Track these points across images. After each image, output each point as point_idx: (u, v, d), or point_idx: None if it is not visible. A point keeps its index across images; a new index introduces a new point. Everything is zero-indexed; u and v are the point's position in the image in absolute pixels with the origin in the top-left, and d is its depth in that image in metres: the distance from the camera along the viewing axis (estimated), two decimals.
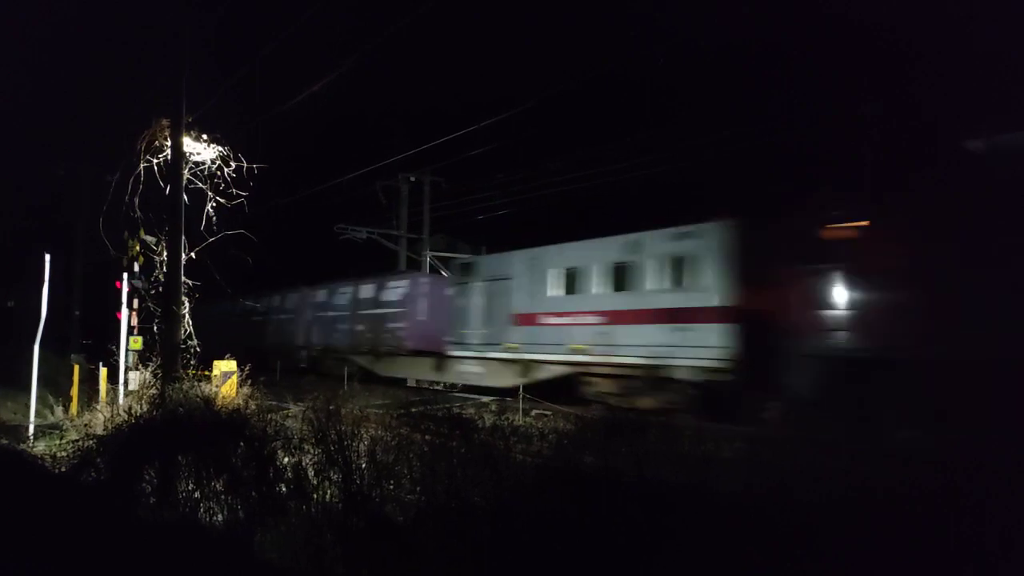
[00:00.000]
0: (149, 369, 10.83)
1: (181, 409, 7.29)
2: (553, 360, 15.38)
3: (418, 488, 5.28)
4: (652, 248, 13.66)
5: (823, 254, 10.68)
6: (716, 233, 12.59)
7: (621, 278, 14.15)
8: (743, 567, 3.71)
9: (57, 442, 9.91)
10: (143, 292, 12.03)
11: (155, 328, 11.66)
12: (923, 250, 9.78)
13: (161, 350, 10.64)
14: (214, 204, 10.76)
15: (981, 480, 3.87)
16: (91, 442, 7.35)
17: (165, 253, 10.71)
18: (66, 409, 12.35)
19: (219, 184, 10.82)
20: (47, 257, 11.50)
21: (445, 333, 18.77)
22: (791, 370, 10.54)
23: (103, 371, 12.33)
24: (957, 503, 3.70)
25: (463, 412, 9.38)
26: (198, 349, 10.48)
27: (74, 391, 12.87)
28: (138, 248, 11.71)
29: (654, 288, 13.53)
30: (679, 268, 13.12)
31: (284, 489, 5.74)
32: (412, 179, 26.18)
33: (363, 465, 5.56)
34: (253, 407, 7.77)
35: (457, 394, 17.80)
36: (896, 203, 10.81)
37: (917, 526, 3.66)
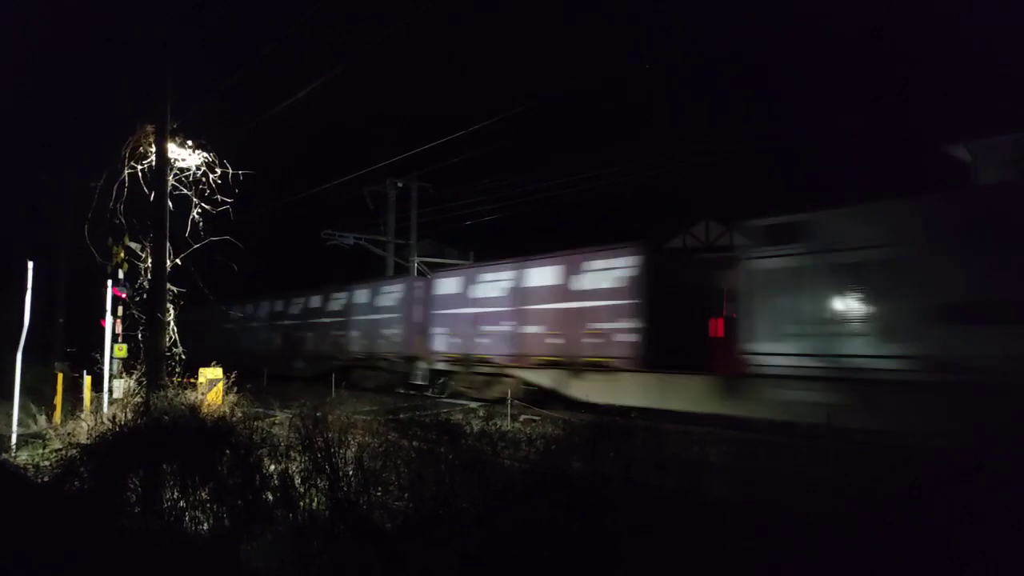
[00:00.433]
0: (134, 377, 10.75)
1: (166, 417, 7.23)
2: None
3: (406, 495, 5.26)
4: None
5: None
6: None
7: None
8: (728, 570, 3.72)
9: (40, 451, 9.81)
10: (128, 299, 11.93)
11: (140, 336, 11.57)
12: None
13: (146, 358, 10.56)
14: (199, 211, 10.69)
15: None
16: (75, 451, 7.28)
17: (150, 260, 10.63)
18: (49, 418, 12.21)
19: (204, 190, 10.77)
20: (30, 264, 11.39)
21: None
22: None
23: (87, 379, 12.21)
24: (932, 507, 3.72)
25: (451, 418, 9.37)
26: (183, 357, 10.40)
27: (58, 399, 12.72)
28: (123, 255, 11.62)
29: None
30: None
31: (270, 497, 5.70)
32: (400, 185, 26.16)
33: (350, 472, 5.53)
34: (239, 414, 7.73)
35: (445, 400, 17.74)
36: None
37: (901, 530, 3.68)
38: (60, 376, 13.24)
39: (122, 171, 10.76)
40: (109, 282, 11.90)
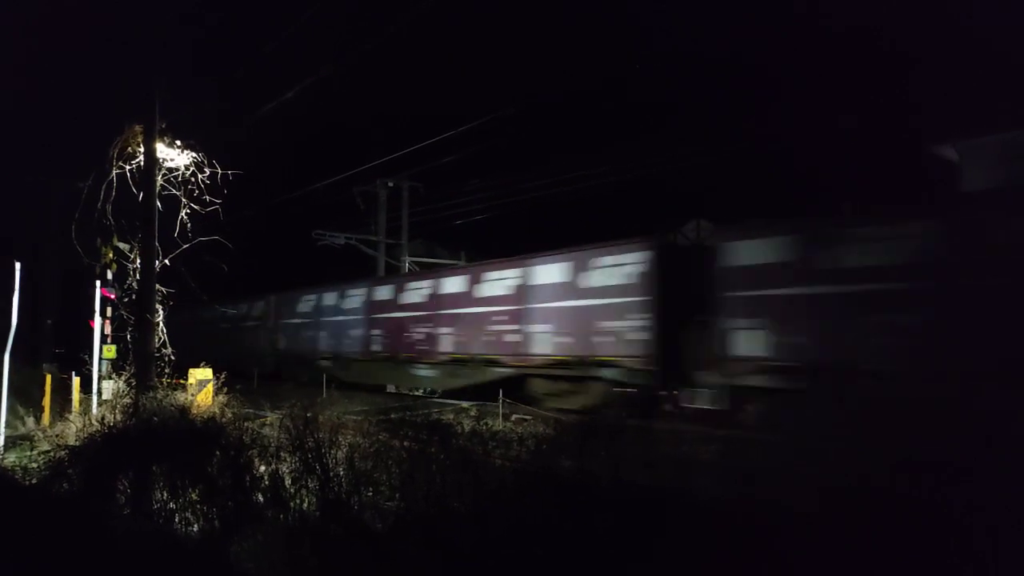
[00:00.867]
0: (123, 378, 10.69)
1: (155, 418, 7.20)
2: None
3: (397, 495, 5.26)
4: None
5: None
6: None
7: None
8: (719, 568, 3.73)
9: (28, 453, 9.75)
10: (117, 300, 11.86)
11: (129, 336, 11.50)
12: None
13: (135, 359, 10.50)
14: (188, 211, 10.64)
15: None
16: (63, 453, 7.23)
17: (138, 260, 10.57)
18: (38, 420, 12.14)
19: (193, 190, 10.72)
20: (17, 265, 11.31)
21: None
22: None
23: (76, 380, 12.14)
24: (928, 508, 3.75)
25: (442, 417, 9.36)
26: (173, 357, 10.34)
27: (46, 401, 12.64)
28: (111, 255, 11.55)
29: None
30: None
31: (261, 498, 5.69)
32: (390, 184, 26.11)
33: (341, 472, 5.52)
34: (229, 415, 7.70)
35: (436, 399, 17.73)
36: None
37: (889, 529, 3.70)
38: (48, 377, 13.16)
39: (110, 171, 10.69)
40: (98, 283, 11.83)
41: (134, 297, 11.16)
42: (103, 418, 7.99)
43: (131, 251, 11.03)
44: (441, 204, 25.07)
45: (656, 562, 3.90)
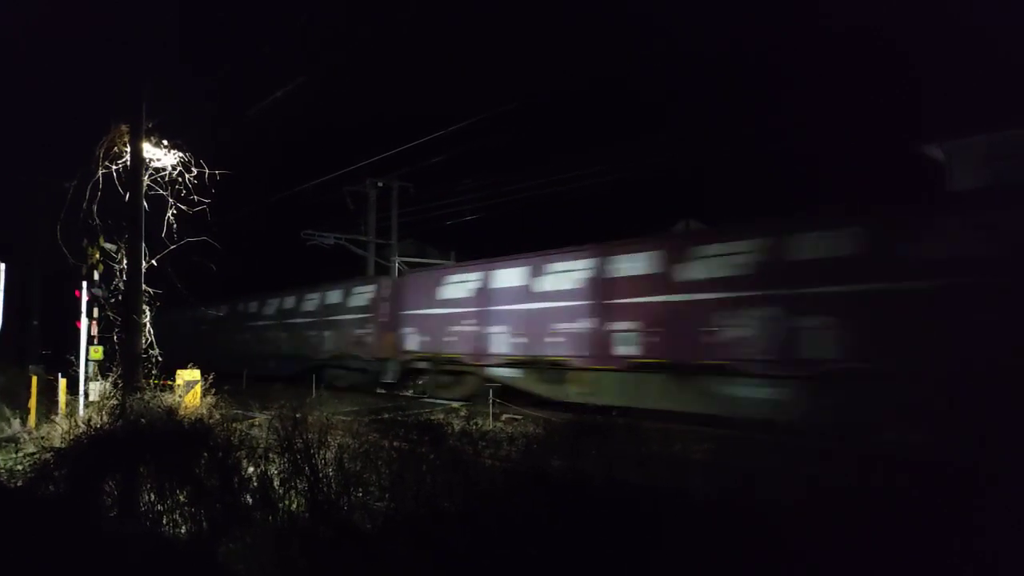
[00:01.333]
0: (110, 379, 10.59)
1: (143, 419, 7.14)
2: None
3: (387, 495, 5.23)
4: None
5: None
6: None
7: None
8: (711, 567, 3.73)
9: (14, 456, 9.66)
10: (103, 301, 11.76)
11: (116, 337, 11.40)
12: None
13: (122, 360, 10.41)
14: (175, 211, 10.55)
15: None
16: (49, 455, 7.16)
17: (125, 261, 10.47)
18: (24, 422, 12.02)
19: (180, 190, 10.63)
20: (2, 266, 11.20)
21: None
22: None
23: (62, 382, 12.03)
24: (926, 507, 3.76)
25: (432, 417, 9.33)
26: (160, 358, 10.26)
27: (32, 403, 12.52)
28: (98, 256, 11.45)
29: None
30: None
31: (249, 499, 5.65)
32: (380, 184, 26.04)
33: (330, 473, 5.49)
34: (217, 416, 7.64)
35: (427, 399, 17.69)
36: None
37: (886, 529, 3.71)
38: (35, 379, 13.03)
39: (96, 171, 10.59)
40: (84, 283, 11.73)
41: (121, 298, 11.07)
42: (90, 420, 7.92)
43: (118, 252, 10.94)
44: (431, 204, 25.05)
45: (651, 561, 3.88)
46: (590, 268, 14.12)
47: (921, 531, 3.62)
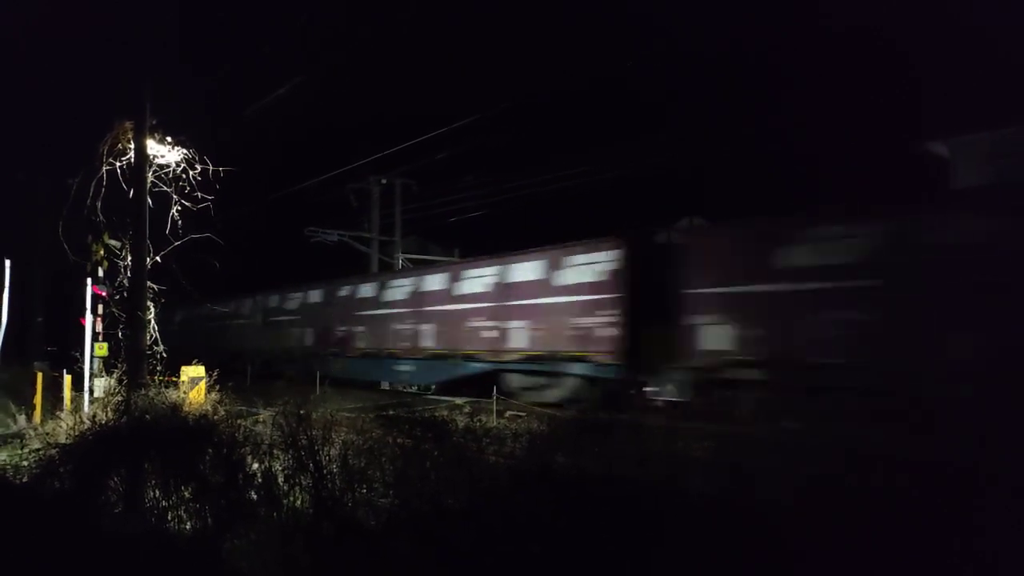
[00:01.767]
0: (114, 376, 10.62)
1: (147, 416, 7.16)
2: None
3: (391, 492, 5.24)
4: None
5: None
6: None
7: None
8: (713, 563, 3.74)
9: (19, 452, 9.69)
10: (108, 297, 11.79)
11: (120, 334, 11.43)
12: None
13: (127, 356, 10.44)
14: (179, 208, 10.57)
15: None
16: (54, 451, 7.19)
17: (129, 257, 10.49)
18: (29, 418, 12.07)
19: (184, 187, 10.64)
20: (7, 263, 11.24)
21: None
22: None
23: (67, 378, 12.07)
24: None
25: (436, 414, 9.34)
26: (165, 355, 10.29)
27: (37, 399, 12.57)
28: (102, 253, 11.47)
29: None
30: None
31: (254, 496, 5.66)
32: (383, 182, 26.05)
33: (334, 470, 5.50)
34: (222, 413, 7.67)
35: (431, 396, 17.71)
36: None
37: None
38: (40, 375, 13.09)
39: (100, 168, 10.61)
40: (89, 280, 11.76)
41: (125, 294, 11.10)
42: (95, 416, 7.95)
43: (122, 248, 10.96)
44: (434, 201, 25.07)
45: (653, 558, 3.89)
46: None
47: (921, 531, 3.63)
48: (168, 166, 10.70)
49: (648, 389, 12.73)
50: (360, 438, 5.89)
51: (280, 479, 5.67)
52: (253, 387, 13.11)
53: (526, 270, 15.59)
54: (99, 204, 10.70)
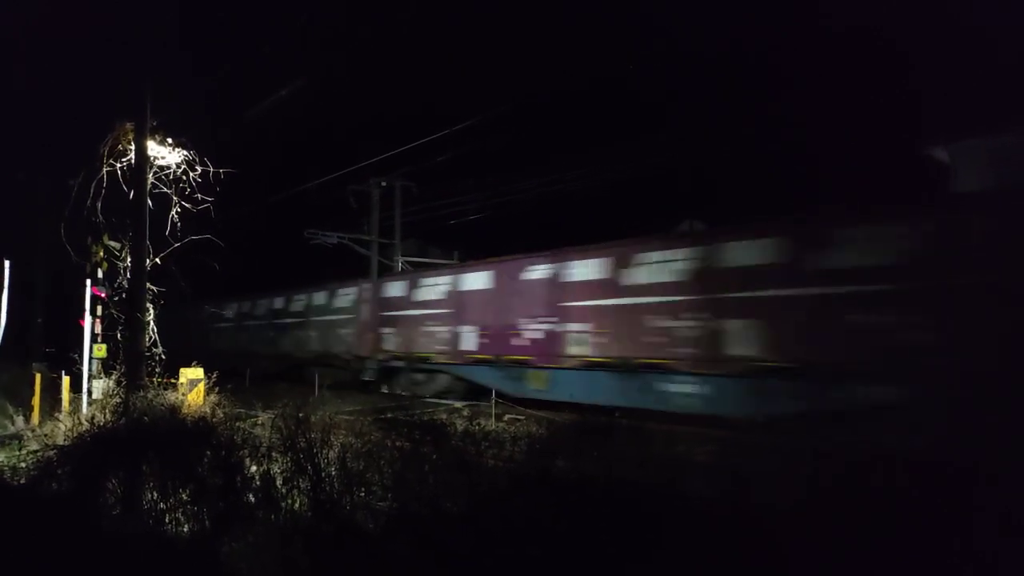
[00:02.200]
0: (113, 377, 10.61)
1: (146, 418, 7.15)
2: None
3: (389, 495, 5.23)
4: None
5: None
6: None
7: None
8: (714, 566, 3.72)
9: (17, 453, 9.67)
10: (107, 298, 11.78)
11: (119, 335, 11.42)
12: None
13: (125, 358, 10.42)
14: (179, 209, 10.57)
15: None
16: (52, 452, 7.18)
17: (129, 259, 10.49)
18: (27, 419, 12.05)
19: (185, 189, 10.64)
20: (7, 264, 11.23)
21: None
22: None
23: (66, 380, 12.05)
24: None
25: (435, 417, 9.33)
26: (164, 356, 10.27)
27: (35, 400, 12.55)
28: (102, 254, 11.47)
29: None
30: None
31: (252, 498, 5.65)
32: (383, 184, 26.03)
33: (333, 472, 5.49)
34: (220, 415, 7.65)
35: (429, 399, 17.70)
36: None
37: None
38: (38, 377, 13.07)
39: (100, 169, 10.61)
40: (88, 281, 11.75)
41: (124, 296, 11.09)
42: (93, 417, 7.93)
43: (121, 249, 10.95)
44: (434, 203, 25.04)
45: (653, 562, 3.88)
46: None
47: (921, 531, 3.62)
48: (168, 167, 10.70)
49: None
50: (359, 441, 5.87)
51: (279, 482, 5.66)
52: (251, 389, 13.10)
53: None
54: (99, 205, 10.70)
